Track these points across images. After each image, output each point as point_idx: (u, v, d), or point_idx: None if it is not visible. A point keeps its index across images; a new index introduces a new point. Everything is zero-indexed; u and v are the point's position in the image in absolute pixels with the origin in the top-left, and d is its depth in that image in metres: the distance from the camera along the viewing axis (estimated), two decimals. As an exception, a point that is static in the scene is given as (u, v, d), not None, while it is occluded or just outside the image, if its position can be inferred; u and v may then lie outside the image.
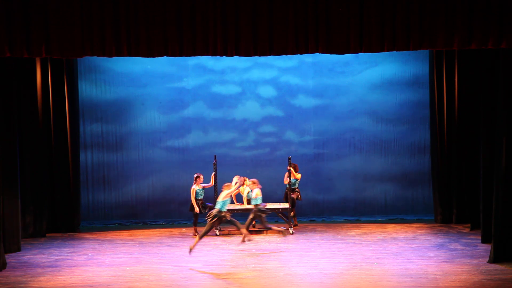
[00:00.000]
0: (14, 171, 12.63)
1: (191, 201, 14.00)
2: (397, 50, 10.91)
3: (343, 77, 16.03)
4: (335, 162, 16.16)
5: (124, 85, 15.96)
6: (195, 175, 14.06)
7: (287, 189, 14.46)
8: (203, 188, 14.08)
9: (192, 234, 14.11)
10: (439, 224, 14.89)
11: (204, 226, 11.98)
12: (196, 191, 13.92)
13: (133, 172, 16.08)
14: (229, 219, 11.96)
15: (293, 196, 14.41)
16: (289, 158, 14.32)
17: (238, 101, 16.14)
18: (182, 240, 13.76)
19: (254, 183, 13.28)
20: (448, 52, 14.44)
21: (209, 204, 14.10)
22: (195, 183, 13.98)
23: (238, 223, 12.13)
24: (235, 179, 12.71)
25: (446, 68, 14.63)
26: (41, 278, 10.92)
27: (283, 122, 16.16)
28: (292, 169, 14.41)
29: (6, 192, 12.27)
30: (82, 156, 15.70)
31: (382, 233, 14.00)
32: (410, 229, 14.51)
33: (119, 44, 10.80)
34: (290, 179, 14.37)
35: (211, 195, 14.27)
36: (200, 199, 13.98)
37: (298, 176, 14.71)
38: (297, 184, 14.72)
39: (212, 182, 14.12)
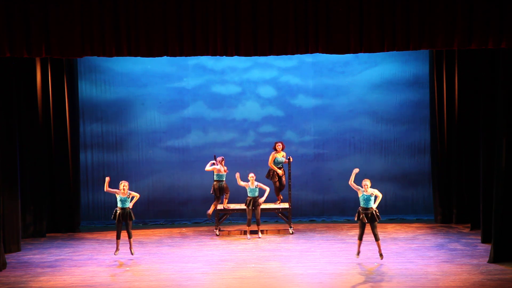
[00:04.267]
0: (14, 171, 12.63)
1: (213, 184, 14.00)
2: (397, 50, 10.92)
3: (343, 77, 16.01)
4: (335, 162, 16.14)
5: (124, 85, 15.94)
6: (219, 158, 14.07)
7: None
8: (219, 172, 14.05)
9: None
10: (439, 224, 14.88)
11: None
12: (218, 171, 13.99)
13: (133, 172, 16.04)
14: None
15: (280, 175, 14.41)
16: (290, 159, 14.36)
17: (238, 101, 16.12)
18: (182, 240, 13.76)
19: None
20: (448, 52, 14.43)
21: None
22: (218, 164, 14.02)
23: None
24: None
25: (446, 68, 14.62)
26: (41, 278, 10.93)
27: (283, 122, 16.14)
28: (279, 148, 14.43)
29: (6, 192, 12.28)
30: (82, 156, 15.68)
31: (382, 233, 13.93)
32: (410, 229, 14.51)
33: (119, 44, 10.82)
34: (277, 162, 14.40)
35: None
36: (219, 180, 14.02)
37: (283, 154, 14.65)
38: (281, 165, 14.64)
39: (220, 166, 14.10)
